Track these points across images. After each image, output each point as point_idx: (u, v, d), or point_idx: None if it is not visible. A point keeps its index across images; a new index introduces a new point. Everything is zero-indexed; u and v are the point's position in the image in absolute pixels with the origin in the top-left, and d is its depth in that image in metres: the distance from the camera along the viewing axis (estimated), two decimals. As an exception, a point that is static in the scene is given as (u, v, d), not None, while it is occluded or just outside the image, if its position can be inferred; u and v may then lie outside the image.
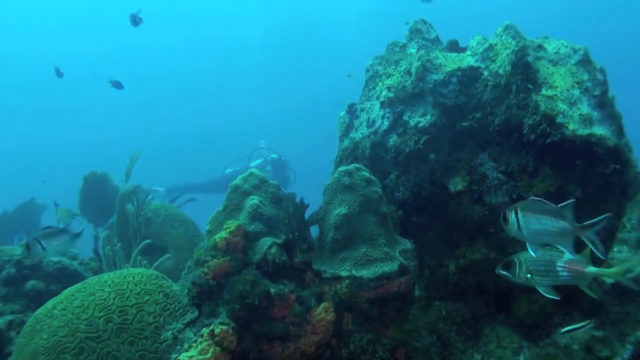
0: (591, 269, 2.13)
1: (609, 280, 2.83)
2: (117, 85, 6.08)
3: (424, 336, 2.49)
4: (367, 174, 2.64)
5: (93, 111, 25.62)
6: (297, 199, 2.71)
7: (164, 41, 25.80)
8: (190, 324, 2.28)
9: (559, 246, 2.06)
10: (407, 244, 2.61)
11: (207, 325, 2.21)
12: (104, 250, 4.09)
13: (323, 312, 2.33)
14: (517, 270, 2.18)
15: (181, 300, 2.42)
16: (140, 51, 25.48)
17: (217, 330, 2.16)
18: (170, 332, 2.25)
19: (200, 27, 25.85)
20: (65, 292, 2.53)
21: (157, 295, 2.38)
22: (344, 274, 2.36)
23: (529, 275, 2.16)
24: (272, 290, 2.30)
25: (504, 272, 2.22)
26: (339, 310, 2.38)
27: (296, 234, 2.53)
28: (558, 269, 2.14)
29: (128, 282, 2.41)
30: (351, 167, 2.64)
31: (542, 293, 2.17)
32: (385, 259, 2.38)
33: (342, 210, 2.48)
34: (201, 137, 26.20)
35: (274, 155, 9.49)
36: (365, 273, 2.33)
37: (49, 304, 2.48)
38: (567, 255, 2.10)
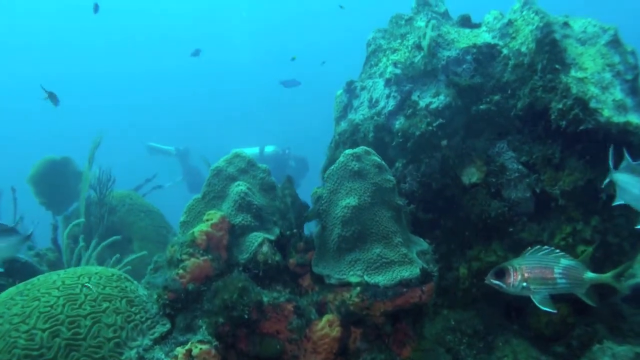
0: (589, 274, 1.93)
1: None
2: (53, 98, 4.74)
3: (442, 355, 2.08)
4: (378, 159, 2.19)
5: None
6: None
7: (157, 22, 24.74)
8: (161, 340, 1.79)
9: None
10: (424, 245, 2.18)
11: (183, 344, 1.72)
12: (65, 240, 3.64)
13: (327, 327, 1.88)
14: (512, 279, 1.90)
15: (149, 308, 1.93)
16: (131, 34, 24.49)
17: (195, 351, 1.68)
18: (134, 350, 1.75)
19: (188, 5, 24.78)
20: (4, 294, 2.02)
21: (119, 302, 1.88)
22: (354, 280, 1.90)
23: (524, 284, 1.90)
24: (265, 299, 1.84)
25: (497, 282, 1.92)
26: (346, 324, 1.93)
27: (295, 230, 2.06)
28: (556, 276, 1.91)
29: (82, 285, 1.92)
30: (359, 149, 2.19)
31: (538, 305, 1.91)
32: (404, 262, 1.94)
33: (352, 201, 2.01)
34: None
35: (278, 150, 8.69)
36: (380, 279, 1.88)
37: (-18, 309, 1.97)
38: (565, 261, 1.92)
